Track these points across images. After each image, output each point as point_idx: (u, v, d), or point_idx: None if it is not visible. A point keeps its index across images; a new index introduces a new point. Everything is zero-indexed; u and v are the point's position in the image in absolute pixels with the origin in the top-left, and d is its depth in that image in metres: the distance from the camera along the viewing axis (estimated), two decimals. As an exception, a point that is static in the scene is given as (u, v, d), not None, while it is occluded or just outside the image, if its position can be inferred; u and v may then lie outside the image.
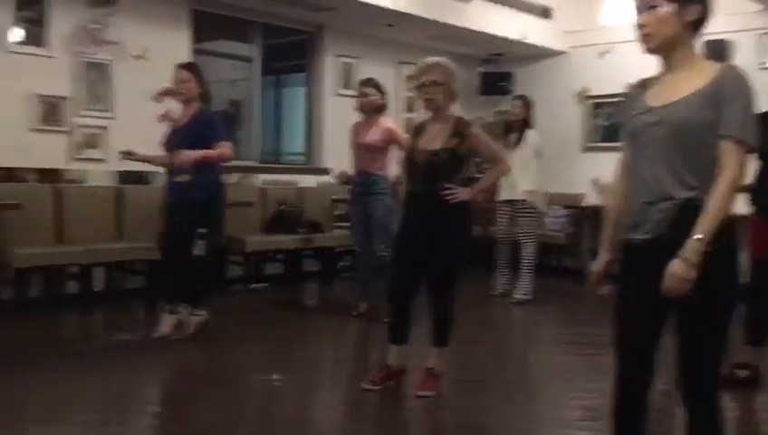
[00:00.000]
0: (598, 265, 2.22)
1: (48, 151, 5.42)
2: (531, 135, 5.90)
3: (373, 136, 4.93)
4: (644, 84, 2.12)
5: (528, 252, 5.94)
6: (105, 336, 4.76)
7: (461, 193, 3.39)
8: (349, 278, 6.61)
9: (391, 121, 5.16)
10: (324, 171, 7.08)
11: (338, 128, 7.17)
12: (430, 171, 3.38)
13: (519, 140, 5.84)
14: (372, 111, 5.00)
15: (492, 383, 3.89)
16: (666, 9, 1.97)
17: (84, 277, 5.21)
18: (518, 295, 5.95)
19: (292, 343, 4.56)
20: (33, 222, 4.92)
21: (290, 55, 7.97)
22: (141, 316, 5.08)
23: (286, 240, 6.13)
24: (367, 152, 4.96)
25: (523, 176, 5.73)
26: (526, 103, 6.00)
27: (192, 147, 4.23)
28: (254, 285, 6.07)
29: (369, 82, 5.08)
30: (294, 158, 8.00)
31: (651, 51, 2.03)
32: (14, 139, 5.25)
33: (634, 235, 2.04)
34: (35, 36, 5.39)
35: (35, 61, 5.34)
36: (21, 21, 5.36)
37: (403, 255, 3.50)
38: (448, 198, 3.36)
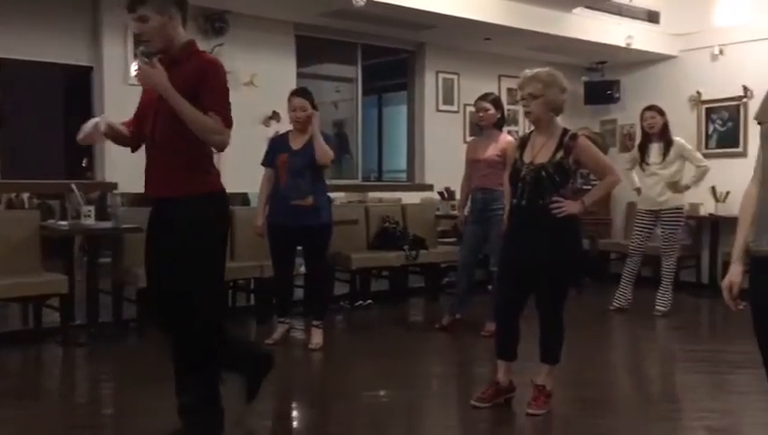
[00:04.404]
0: (729, 277, 2.08)
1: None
2: (679, 144, 5.81)
3: (493, 151, 4.94)
4: None
5: (670, 264, 5.86)
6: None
7: (569, 206, 3.32)
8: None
9: (510, 137, 5.15)
10: (427, 187, 7.10)
11: (439, 144, 7.22)
12: (537, 185, 3.32)
13: (666, 150, 5.75)
14: (491, 126, 5.01)
15: (608, 402, 3.75)
16: None
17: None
18: (661, 308, 5.89)
19: (398, 360, 4.58)
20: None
21: (390, 74, 8.09)
22: (252, 329, 5.27)
23: (391, 257, 6.19)
24: (487, 168, 4.95)
25: (673, 186, 5.72)
26: (661, 112, 5.83)
27: (310, 169, 4.50)
28: (360, 302, 6.16)
29: (488, 98, 5.09)
30: (397, 175, 8.08)
31: None
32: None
33: (759, 246, 1.91)
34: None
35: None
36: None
37: (510, 269, 3.45)
38: (556, 211, 3.30)
